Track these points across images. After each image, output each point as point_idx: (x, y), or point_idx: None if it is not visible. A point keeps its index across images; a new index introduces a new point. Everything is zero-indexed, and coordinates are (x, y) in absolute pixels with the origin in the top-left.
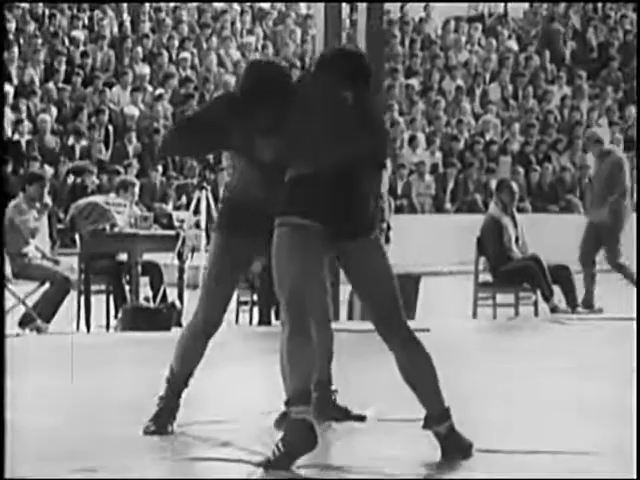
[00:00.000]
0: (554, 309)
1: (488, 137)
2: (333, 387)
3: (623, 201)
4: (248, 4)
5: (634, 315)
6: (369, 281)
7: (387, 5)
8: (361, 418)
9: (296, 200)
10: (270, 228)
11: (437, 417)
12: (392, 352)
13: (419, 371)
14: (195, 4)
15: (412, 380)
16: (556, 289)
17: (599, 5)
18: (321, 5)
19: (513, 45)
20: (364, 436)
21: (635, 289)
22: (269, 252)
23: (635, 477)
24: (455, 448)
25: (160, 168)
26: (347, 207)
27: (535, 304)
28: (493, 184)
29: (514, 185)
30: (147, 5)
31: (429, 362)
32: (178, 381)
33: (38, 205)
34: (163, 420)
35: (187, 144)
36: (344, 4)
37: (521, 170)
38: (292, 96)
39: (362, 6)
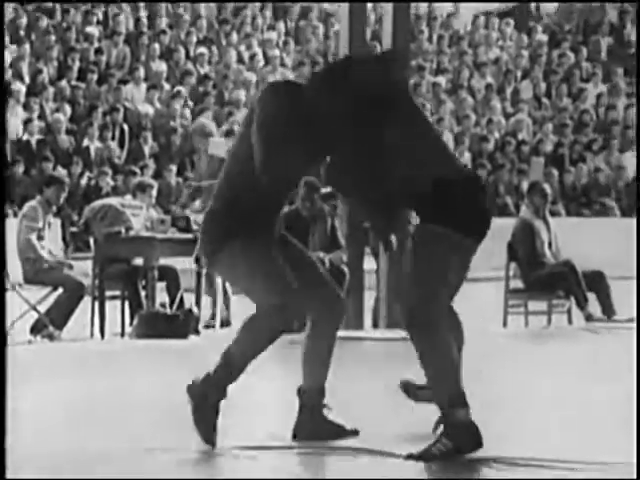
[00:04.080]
0: (589, 317)
1: (520, 137)
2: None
3: None
4: None
5: None
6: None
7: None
8: (354, 433)
9: (451, 210)
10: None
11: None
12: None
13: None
14: None
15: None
16: (591, 297)
17: None
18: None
19: (546, 41)
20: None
21: None
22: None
23: (635, 477)
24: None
25: (175, 169)
26: (487, 211)
27: (569, 312)
28: (525, 186)
29: (547, 187)
30: None
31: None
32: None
33: (54, 209)
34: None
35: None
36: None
37: (554, 172)
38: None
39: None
